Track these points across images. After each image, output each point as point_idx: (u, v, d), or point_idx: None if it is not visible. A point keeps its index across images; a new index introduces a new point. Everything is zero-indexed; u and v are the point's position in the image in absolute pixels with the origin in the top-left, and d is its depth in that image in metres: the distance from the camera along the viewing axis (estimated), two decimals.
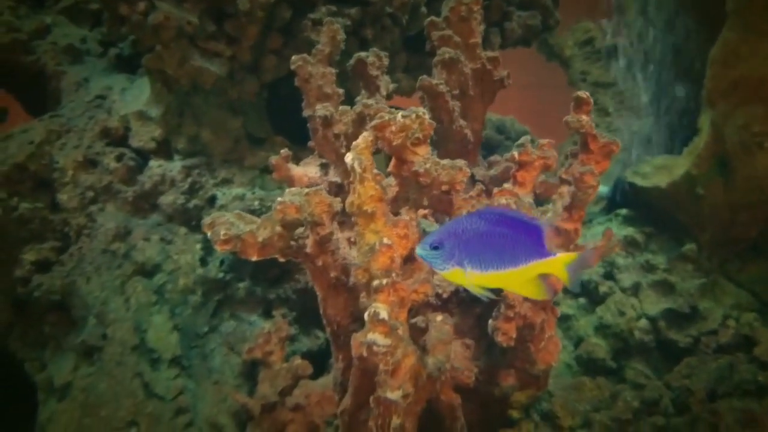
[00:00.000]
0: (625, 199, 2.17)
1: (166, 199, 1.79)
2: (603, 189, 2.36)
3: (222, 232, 1.06)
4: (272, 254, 1.11)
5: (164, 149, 1.87)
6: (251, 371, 1.69)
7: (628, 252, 2.00)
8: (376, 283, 0.95)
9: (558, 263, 0.85)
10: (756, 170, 1.77)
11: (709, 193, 1.87)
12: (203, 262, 1.76)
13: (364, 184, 1.00)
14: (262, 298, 1.78)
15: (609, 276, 1.97)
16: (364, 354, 0.93)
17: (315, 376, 1.67)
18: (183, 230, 1.78)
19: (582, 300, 1.98)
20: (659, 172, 2.02)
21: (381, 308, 0.89)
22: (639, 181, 2.06)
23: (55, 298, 1.73)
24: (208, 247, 1.77)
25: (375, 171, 1.03)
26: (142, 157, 1.89)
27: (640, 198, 2.08)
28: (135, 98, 1.97)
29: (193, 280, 1.72)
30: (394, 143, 1.02)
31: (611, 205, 2.26)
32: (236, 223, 1.08)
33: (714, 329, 1.78)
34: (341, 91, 1.38)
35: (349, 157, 0.99)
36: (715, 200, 1.88)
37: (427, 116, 1.01)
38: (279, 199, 1.06)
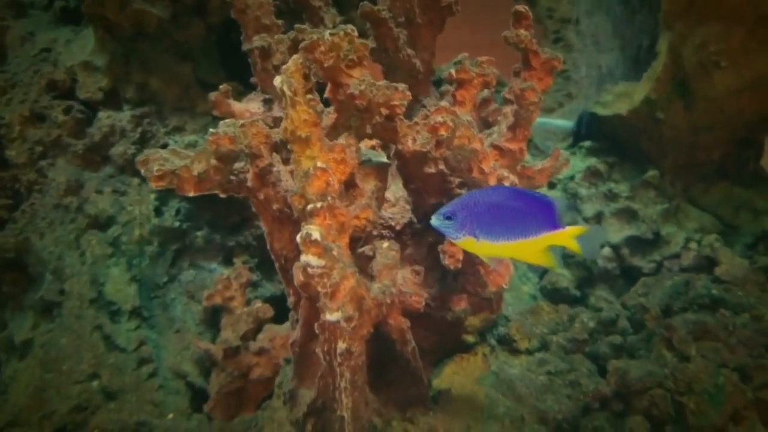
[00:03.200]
0: (589, 131, 2.15)
1: (117, 150, 1.75)
2: (569, 124, 2.35)
3: (155, 168, 1.03)
4: (211, 189, 1.08)
5: (112, 99, 1.82)
6: (213, 319, 1.68)
7: (591, 182, 1.99)
8: (310, 207, 0.92)
9: (566, 236, 0.91)
10: (715, 90, 1.75)
11: (670, 117, 1.86)
12: (158, 211, 1.73)
13: (296, 108, 0.96)
14: (221, 246, 1.76)
15: (572, 207, 1.96)
16: (301, 278, 0.91)
17: (280, 320, 1.67)
18: (136, 181, 1.75)
19: None
20: (620, 99, 1.99)
21: (313, 229, 0.87)
22: (600, 111, 2.04)
23: (9, 257, 1.69)
24: (162, 196, 1.74)
25: (309, 96, 1.00)
26: (91, 108, 1.84)
27: (602, 128, 2.06)
28: (80, 49, 1.91)
29: (149, 231, 1.69)
30: (326, 65, 0.98)
31: (576, 138, 2.24)
32: (170, 158, 1.05)
33: (677, 253, 1.79)
34: (280, 22, 1.33)
35: (278, 80, 0.95)
36: (676, 124, 1.86)
37: (356, 34, 0.97)
38: (211, 130, 1.03)
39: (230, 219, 1.79)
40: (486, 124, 1.41)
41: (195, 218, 1.75)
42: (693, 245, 1.78)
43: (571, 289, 1.81)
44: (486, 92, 1.38)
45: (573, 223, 1.80)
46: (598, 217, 1.89)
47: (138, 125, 1.78)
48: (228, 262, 1.77)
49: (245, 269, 1.70)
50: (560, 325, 1.39)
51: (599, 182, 1.99)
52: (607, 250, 1.83)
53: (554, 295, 1.82)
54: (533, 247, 0.92)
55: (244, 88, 1.88)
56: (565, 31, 2.92)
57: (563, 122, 2.40)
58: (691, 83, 1.78)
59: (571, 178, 2.04)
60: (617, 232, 1.86)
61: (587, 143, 2.12)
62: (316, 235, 0.86)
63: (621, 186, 1.95)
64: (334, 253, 0.89)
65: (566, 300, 1.75)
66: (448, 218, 0.92)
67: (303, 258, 0.87)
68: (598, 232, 1.04)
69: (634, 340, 1.32)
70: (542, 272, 1.92)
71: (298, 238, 0.87)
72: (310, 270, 0.88)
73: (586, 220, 1.91)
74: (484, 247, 0.92)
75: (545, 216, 0.91)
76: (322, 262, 0.87)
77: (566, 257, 1.87)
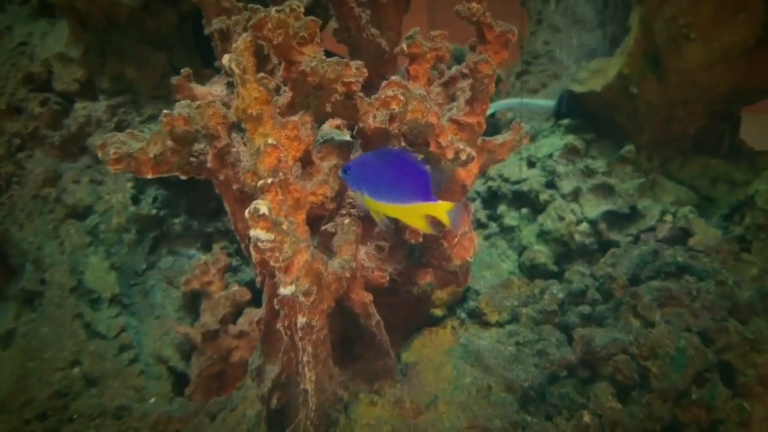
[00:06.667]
0: (569, 109, 2.16)
1: (94, 141, 1.77)
2: (552, 103, 2.35)
3: (112, 152, 1.04)
4: (170, 171, 1.10)
5: (88, 90, 1.84)
6: (193, 304, 1.70)
7: (569, 159, 2.00)
8: (261, 183, 0.94)
9: (439, 208, 1.01)
10: (686, 63, 1.75)
11: (644, 92, 1.86)
12: (135, 200, 1.74)
13: (246, 86, 0.98)
14: (199, 232, 1.78)
15: (550, 185, 1.97)
16: (256, 254, 0.92)
17: (260, 304, 1.68)
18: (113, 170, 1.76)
19: (525, 210, 1.98)
20: (594, 76, 2.00)
21: (261, 204, 0.88)
22: (576, 88, 2.05)
23: None
24: (139, 185, 1.76)
25: (261, 74, 1.01)
26: (67, 99, 1.85)
27: (580, 105, 2.07)
28: (56, 41, 1.92)
29: (127, 219, 1.71)
30: (275, 42, 0.99)
31: (557, 117, 2.25)
32: (128, 141, 1.06)
33: (652, 226, 1.80)
34: (241, 4, 1.34)
35: (226, 59, 0.96)
36: (650, 98, 1.86)
37: (302, 10, 0.98)
38: (165, 111, 1.04)
39: (208, 205, 1.81)
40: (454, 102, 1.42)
41: (172, 205, 1.77)
42: (668, 218, 1.78)
43: (549, 264, 1.83)
44: (453, 70, 1.39)
45: (549, 198, 1.81)
46: (576, 194, 1.90)
47: (114, 115, 1.79)
48: (207, 248, 1.79)
49: (223, 254, 1.72)
50: (531, 298, 1.40)
51: (577, 159, 1.99)
52: (584, 226, 1.85)
53: (533, 272, 1.84)
54: (411, 213, 1.02)
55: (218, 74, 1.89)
56: (548, 11, 2.92)
57: (547, 102, 2.41)
58: (662, 57, 1.79)
59: (550, 156, 2.05)
60: (594, 207, 1.87)
61: (566, 121, 2.13)
62: (263, 209, 0.87)
63: (598, 162, 1.96)
64: (284, 227, 0.91)
65: (544, 275, 1.76)
66: (345, 172, 1.03)
67: (252, 233, 0.88)
68: (466, 206, 1.13)
69: (602, 309, 1.33)
70: (520, 250, 1.93)
71: (246, 213, 0.88)
72: (260, 245, 0.89)
73: (563, 196, 1.92)
74: (372, 203, 1.02)
75: (420, 186, 0.99)
76: (271, 236, 0.88)
77: (543, 234, 1.88)
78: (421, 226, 1.04)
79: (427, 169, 0.99)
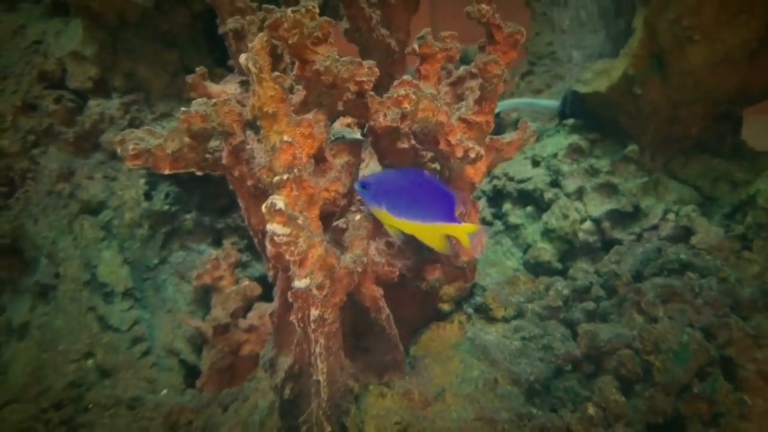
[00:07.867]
0: (573, 109, 2.19)
1: (107, 137, 1.80)
2: (556, 103, 2.38)
3: (131, 147, 1.07)
4: (187, 167, 1.13)
5: (101, 88, 1.87)
6: (204, 298, 1.73)
7: (573, 159, 2.02)
8: (277, 179, 0.96)
9: (462, 230, 1.08)
10: (690, 64, 1.78)
11: (647, 92, 1.89)
12: (148, 196, 1.78)
13: (262, 84, 1.00)
14: (210, 228, 1.81)
15: (554, 183, 2.00)
16: (271, 248, 0.95)
17: (270, 299, 1.71)
18: (126, 166, 1.79)
19: (529, 209, 2.01)
20: (599, 76, 2.02)
21: (277, 199, 0.91)
22: (581, 89, 2.07)
23: (5, 242, 1.75)
24: (152, 181, 1.79)
25: (276, 73, 1.04)
26: (81, 97, 1.89)
27: (584, 105, 2.09)
28: (69, 39, 1.95)
29: (139, 214, 1.74)
30: (291, 42, 1.02)
31: (562, 117, 2.27)
32: (146, 138, 1.09)
33: (655, 224, 1.82)
34: (255, 4, 1.37)
35: (243, 58, 0.99)
36: (654, 99, 1.89)
37: (317, 10, 1.01)
38: (183, 109, 1.07)
39: (219, 202, 1.84)
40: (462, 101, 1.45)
41: (184, 201, 1.80)
42: (671, 216, 1.81)
43: (553, 262, 1.86)
44: (461, 70, 1.41)
45: (554, 197, 1.83)
46: (580, 192, 1.93)
47: (127, 112, 1.83)
48: (217, 243, 1.82)
49: (234, 249, 1.75)
50: (536, 294, 1.43)
51: (581, 158, 2.02)
52: (588, 224, 1.87)
53: (537, 269, 1.86)
54: (431, 231, 1.07)
55: (230, 74, 1.92)
56: (553, 13, 2.94)
57: (551, 102, 2.43)
58: (666, 58, 1.81)
59: (554, 155, 2.07)
60: (598, 206, 1.90)
61: (571, 121, 2.15)
62: (280, 204, 0.90)
63: (602, 161, 1.98)
64: (300, 221, 0.94)
65: (549, 273, 1.79)
66: (364, 187, 1.07)
67: (268, 227, 0.91)
68: (484, 231, 1.18)
69: (606, 305, 1.36)
70: (525, 248, 1.96)
71: (263, 208, 0.91)
72: (276, 239, 0.92)
73: (567, 195, 1.94)
74: (389, 218, 1.06)
75: (444, 208, 1.05)
76: (287, 230, 0.91)
77: (548, 232, 1.91)
78: (439, 244, 1.09)
79: (453, 192, 1.06)
